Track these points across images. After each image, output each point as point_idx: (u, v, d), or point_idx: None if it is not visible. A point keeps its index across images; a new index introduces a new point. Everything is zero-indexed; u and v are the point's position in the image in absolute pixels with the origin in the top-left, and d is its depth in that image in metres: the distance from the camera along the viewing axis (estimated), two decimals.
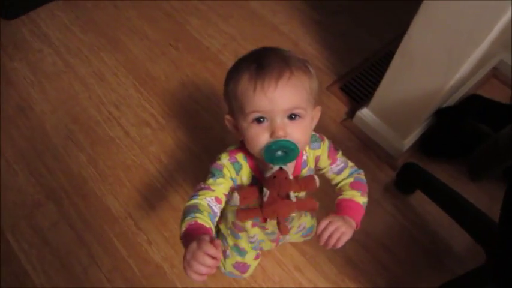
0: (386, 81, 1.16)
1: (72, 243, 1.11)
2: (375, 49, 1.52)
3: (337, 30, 1.57)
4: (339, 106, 1.41)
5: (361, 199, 0.75)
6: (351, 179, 0.77)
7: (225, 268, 1.02)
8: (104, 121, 1.32)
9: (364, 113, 1.30)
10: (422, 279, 1.13)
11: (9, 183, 1.18)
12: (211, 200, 0.66)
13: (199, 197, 0.65)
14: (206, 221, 0.61)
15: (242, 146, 0.70)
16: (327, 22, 1.58)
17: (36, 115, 1.32)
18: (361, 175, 0.79)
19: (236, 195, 0.66)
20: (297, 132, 0.63)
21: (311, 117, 0.68)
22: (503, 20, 0.84)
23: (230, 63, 1.43)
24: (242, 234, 0.91)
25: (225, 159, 0.71)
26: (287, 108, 0.62)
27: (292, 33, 1.55)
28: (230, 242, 0.98)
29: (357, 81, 1.45)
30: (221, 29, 1.55)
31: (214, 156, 0.74)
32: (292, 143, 0.62)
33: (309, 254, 1.13)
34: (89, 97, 1.37)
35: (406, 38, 1.01)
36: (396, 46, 1.09)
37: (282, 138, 0.61)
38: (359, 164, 1.28)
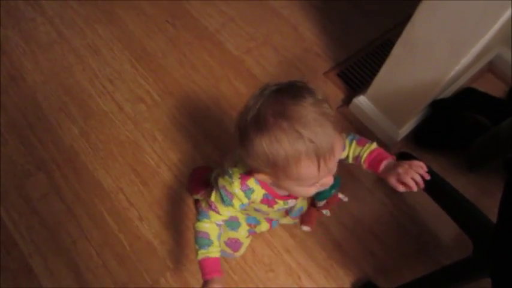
0: (386, 69, 1.16)
1: (62, 215, 1.10)
2: (373, 37, 1.52)
3: (336, 16, 1.56)
4: (335, 92, 1.40)
5: (374, 145, 0.80)
6: (354, 143, 0.81)
7: None
8: (97, 95, 1.30)
9: (361, 100, 1.30)
10: (409, 268, 1.14)
11: None
12: (219, 221, 0.78)
13: (209, 220, 0.78)
14: (216, 252, 0.76)
15: (252, 171, 0.72)
16: (326, 8, 1.57)
17: (28, 85, 1.29)
18: (351, 134, 0.83)
19: None
20: (334, 168, 0.67)
21: None
22: (508, 12, 0.84)
23: (228, 44, 1.43)
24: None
25: (236, 187, 0.73)
26: None
27: (292, 17, 1.54)
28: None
29: (354, 68, 1.45)
30: (220, 9, 1.53)
31: (223, 166, 0.80)
32: (335, 179, 0.69)
33: (299, 237, 1.14)
34: (83, 70, 1.34)
35: (409, 26, 1.01)
36: (394, 35, 1.09)
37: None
38: None
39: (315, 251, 1.13)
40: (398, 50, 1.09)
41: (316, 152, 0.61)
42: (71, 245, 1.07)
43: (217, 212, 0.77)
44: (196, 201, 1.13)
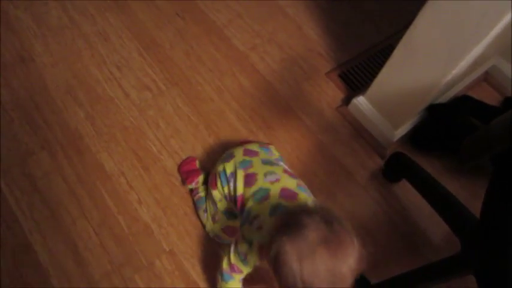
0: (386, 70, 1.20)
1: (63, 195, 1.12)
2: (375, 41, 1.56)
3: (340, 19, 1.60)
4: (336, 93, 1.44)
5: None
6: None
7: (213, 231, 1.05)
8: (104, 80, 1.33)
9: (360, 100, 1.33)
10: (398, 263, 1.17)
11: (4, 130, 1.18)
12: (242, 277, 0.87)
13: (234, 281, 0.87)
14: None
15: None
16: (331, 9, 1.61)
17: (36, 67, 1.32)
18: None
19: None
20: None
21: None
22: (507, 18, 0.88)
23: (235, 39, 1.47)
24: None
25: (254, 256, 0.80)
26: None
27: (297, 17, 1.57)
28: (221, 207, 1.01)
29: (355, 70, 1.49)
30: (228, 4, 1.57)
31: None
32: None
33: None
34: (92, 55, 1.37)
35: (410, 29, 1.05)
36: (396, 40, 1.12)
37: None
38: (350, 151, 1.33)
39: None
40: (399, 53, 1.13)
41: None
42: (71, 224, 1.09)
43: (240, 272, 0.85)
44: (191, 191, 1.16)
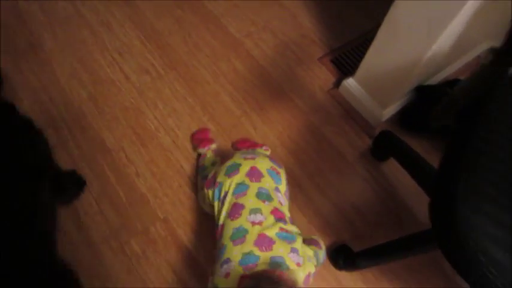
0: (372, 50, 1.26)
1: (66, 167, 1.21)
2: (366, 29, 1.62)
3: (333, 8, 1.66)
4: (327, 76, 1.50)
5: None
6: None
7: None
8: (107, 65, 1.42)
9: (350, 82, 1.39)
10: (384, 238, 1.21)
11: None
12: None
13: None
14: None
15: None
16: (326, 0, 1.68)
17: (45, 53, 1.41)
18: None
19: None
20: None
21: None
22: None
23: (231, 27, 1.54)
24: None
25: None
26: None
27: (292, 6, 1.64)
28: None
29: (347, 55, 1.54)
30: None
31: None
32: None
33: None
34: (96, 42, 1.46)
35: (392, 6, 1.11)
36: None
37: None
38: (340, 131, 1.38)
39: (296, 214, 1.22)
40: (382, 32, 1.19)
41: None
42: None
43: None
44: (199, 156, 1.24)
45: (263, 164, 0.96)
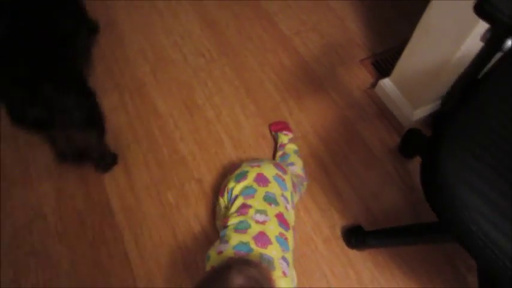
0: (407, 51, 1.34)
1: (124, 125, 1.40)
2: (409, 37, 1.69)
3: (380, 15, 1.76)
4: (366, 77, 1.59)
5: None
6: None
7: None
8: (169, 46, 1.62)
9: (385, 82, 1.48)
10: (397, 223, 1.28)
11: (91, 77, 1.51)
12: None
13: None
14: None
15: None
16: (373, 6, 1.78)
17: (119, 31, 1.65)
18: None
19: None
20: None
21: None
22: None
23: (282, 25, 1.71)
24: None
25: None
26: None
27: (341, 11, 1.77)
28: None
29: (388, 60, 1.63)
30: None
31: None
32: None
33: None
34: (162, 26, 1.67)
35: (426, 10, 1.20)
36: None
37: None
38: (371, 127, 1.45)
39: (318, 195, 1.32)
40: (416, 33, 1.27)
41: None
42: (126, 146, 1.36)
43: None
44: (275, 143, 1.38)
45: (269, 171, 1.01)
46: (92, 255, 1.18)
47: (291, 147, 1.31)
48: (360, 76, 1.60)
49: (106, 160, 1.29)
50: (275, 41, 1.67)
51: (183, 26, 1.68)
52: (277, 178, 1.00)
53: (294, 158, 1.28)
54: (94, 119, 1.15)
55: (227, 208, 1.00)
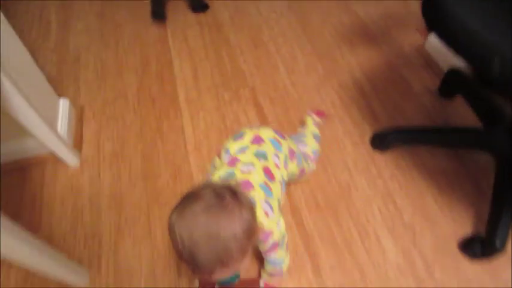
0: None
1: (198, 47, 1.72)
2: None
3: None
4: (419, 39, 1.72)
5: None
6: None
7: None
8: (270, 40, 1.76)
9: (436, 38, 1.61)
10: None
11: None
12: None
13: None
14: None
15: None
16: None
17: (225, 29, 2.02)
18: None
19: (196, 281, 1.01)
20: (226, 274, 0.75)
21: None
22: None
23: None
24: None
25: None
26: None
27: None
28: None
29: None
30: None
31: None
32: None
33: (345, 102, 1.49)
34: (267, 26, 1.93)
35: None
36: None
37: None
38: (415, 72, 1.57)
39: (354, 111, 1.45)
40: None
41: (192, 265, 0.70)
42: (198, 61, 1.67)
43: None
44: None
45: (266, 134, 1.01)
46: (156, 125, 1.46)
47: (312, 130, 1.32)
48: (413, 38, 1.74)
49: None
50: (339, 6, 1.90)
51: (282, 29, 1.80)
52: (272, 140, 1.00)
53: (309, 139, 1.27)
54: None
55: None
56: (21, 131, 1.17)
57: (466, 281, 1.08)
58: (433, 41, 1.61)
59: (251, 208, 0.76)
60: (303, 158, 1.14)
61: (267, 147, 0.97)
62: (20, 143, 1.30)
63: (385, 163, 1.31)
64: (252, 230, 0.74)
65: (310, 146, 1.24)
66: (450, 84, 1.48)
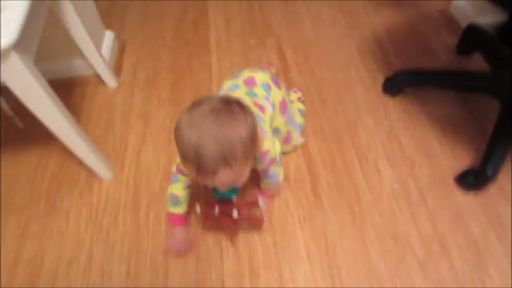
0: None
1: (235, 15, 1.86)
2: None
3: None
4: (446, 5, 1.76)
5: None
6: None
7: None
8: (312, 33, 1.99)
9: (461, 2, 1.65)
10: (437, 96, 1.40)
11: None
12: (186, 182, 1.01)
13: (179, 182, 1.01)
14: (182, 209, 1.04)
15: None
16: None
17: (274, 26, 2.16)
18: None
19: (197, 205, 1.01)
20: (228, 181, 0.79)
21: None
22: None
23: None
24: None
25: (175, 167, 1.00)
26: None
27: None
28: None
29: None
30: None
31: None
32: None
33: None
34: (306, 26, 2.11)
35: None
36: None
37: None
38: (435, 30, 1.61)
39: (369, 61, 1.53)
40: None
41: (197, 165, 0.72)
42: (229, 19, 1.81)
43: (184, 174, 0.96)
44: None
45: (260, 78, 1.03)
46: (187, 61, 1.62)
47: (297, 106, 1.33)
48: (440, 4, 1.78)
49: None
50: None
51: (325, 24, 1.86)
52: (264, 85, 1.02)
53: (296, 115, 1.27)
54: None
55: None
56: (71, 52, 1.35)
57: (458, 210, 1.13)
58: (459, 2, 1.65)
59: (254, 118, 0.79)
60: (291, 123, 1.17)
61: (258, 90, 0.99)
62: (69, 63, 1.50)
63: (393, 107, 1.38)
64: (255, 135, 0.77)
65: (296, 121, 1.26)
66: (469, 41, 1.51)
